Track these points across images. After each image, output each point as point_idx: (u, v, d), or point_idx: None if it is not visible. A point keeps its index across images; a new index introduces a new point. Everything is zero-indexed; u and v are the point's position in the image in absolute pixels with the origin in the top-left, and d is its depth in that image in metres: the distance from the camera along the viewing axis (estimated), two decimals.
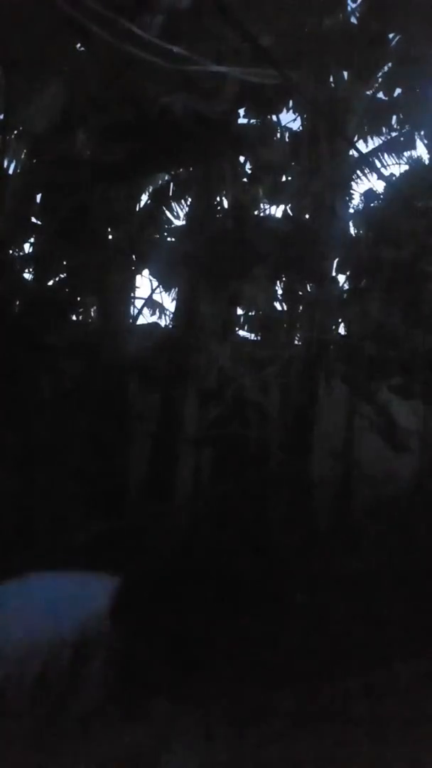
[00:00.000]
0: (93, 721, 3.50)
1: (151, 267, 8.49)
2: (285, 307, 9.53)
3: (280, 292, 9.44)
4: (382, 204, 9.06)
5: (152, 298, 9.69)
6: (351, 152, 9.23)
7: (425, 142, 9.64)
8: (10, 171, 6.81)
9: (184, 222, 9.14)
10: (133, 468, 7.99)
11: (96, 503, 7.06)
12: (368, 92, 9.09)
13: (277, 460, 8.47)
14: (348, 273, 9.36)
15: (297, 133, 9.12)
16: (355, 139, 9.32)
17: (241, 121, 7.86)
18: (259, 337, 9.78)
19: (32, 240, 7.83)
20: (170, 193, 8.88)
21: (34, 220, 7.30)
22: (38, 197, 6.99)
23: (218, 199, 8.92)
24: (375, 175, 10.45)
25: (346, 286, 9.53)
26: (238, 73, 4.73)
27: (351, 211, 9.68)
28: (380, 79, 9.00)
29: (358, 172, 9.54)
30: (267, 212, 9.66)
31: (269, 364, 8.57)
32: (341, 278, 9.46)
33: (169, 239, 8.98)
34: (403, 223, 8.21)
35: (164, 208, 9.08)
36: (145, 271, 8.89)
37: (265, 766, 3.49)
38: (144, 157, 5.99)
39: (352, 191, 9.66)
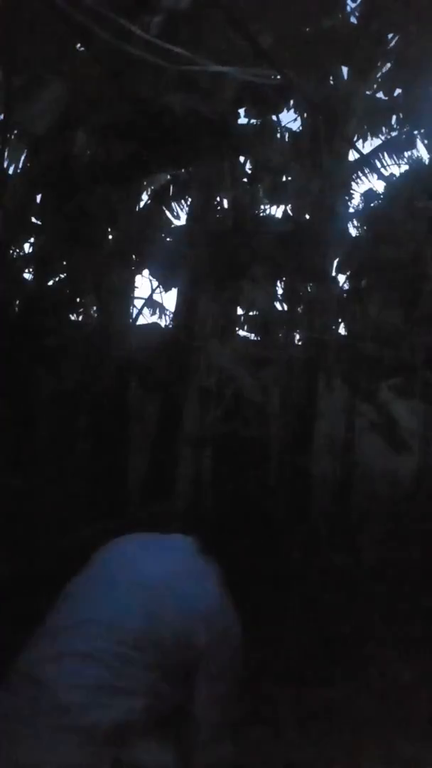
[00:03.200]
0: None
1: (151, 267, 8.50)
2: (285, 307, 9.55)
3: (280, 292, 9.46)
4: (382, 204, 9.06)
5: (152, 298, 9.71)
6: (351, 152, 9.25)
7: (425, 142, 9.66)
8: (10, 171, 6.81)
9: (184, 222, 9.16)
10: (133, 468, 8.00)
11: (96, 503, 7.07)
12: (368, 92, 9.11)
13: (277, 460, 8.48)
14: (348, 273, 9.37)
15: (297, 133, 9.13)
16: (355, 139, 9.33)
17: (241, 121, 7.87)
18: (259, 337, 9.79)
19: (32, 240, 7.84)
20: (170, 193, 8.89)
21: (34, 220, 7.30)
22: (38, 197, 6.99)
23: (218, 199, 8.94)
24: (375, 175, 10.48)
25: (346, 286, 9.55)
26: (238, 73, 4.72)
27: (351, 211, 9.69)
28: (380, 79, 9.01)
29: (358, 172, 9.56)
30: (267, 212, 9.68)
31: (269, 364, 8.58)
32: (341, 278, 9.49)
33: (169, 239, 8.99)
34: (403, 223, 8.21)
35: (164, 208, 9.08)
36: (145, 271, 8.91)
37: None
38: (144, 157, 5.98)
39: (352, 191, 9.68)
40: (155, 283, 9.27)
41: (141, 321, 9.29)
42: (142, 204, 8.90)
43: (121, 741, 1.78)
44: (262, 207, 9.66)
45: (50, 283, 7.82)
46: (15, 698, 1.84)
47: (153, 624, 1.87)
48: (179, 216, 9.22)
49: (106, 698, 1.80)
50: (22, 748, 1.76)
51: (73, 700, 1.78)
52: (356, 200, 9.76)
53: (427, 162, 9.73)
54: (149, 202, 9.02)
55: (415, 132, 9.56)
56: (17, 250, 7.69)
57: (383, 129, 9.69)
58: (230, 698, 1.95)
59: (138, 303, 9.36)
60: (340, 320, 9.55)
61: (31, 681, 1.83)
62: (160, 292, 9.67)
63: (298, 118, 9.16)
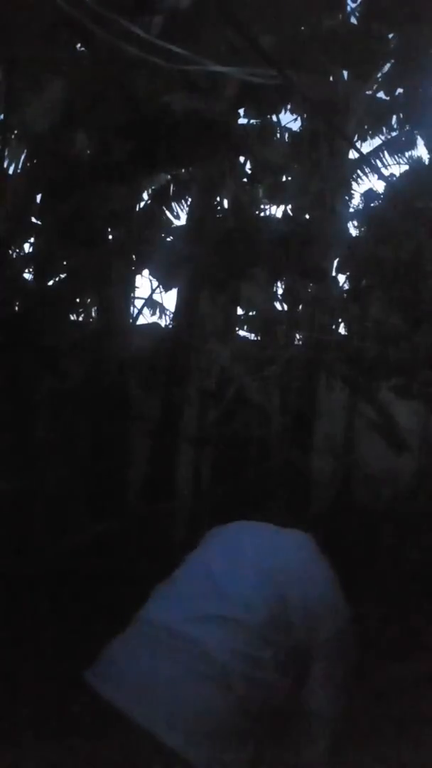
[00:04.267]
0: None
1: (151, 267, 8.50)
2: (285, 307, 9.54)
3: (280, 292, 9.46)
4: (382, 204, 9.07)
5: (152, 298, 9.71)
6: (351, 152, 9.25)
7: (425, 142, 9.66)
8: (10, 171, 6.81)
9: (184, 222, 9.16)
10: (133, 468, 7.99)
11: (96, 503, 7.06)
12: (368, 92, 9.10)
13: (277, 460, 8.47)
14: (348, 273, 9.37)
15: (297, 133, 9.13)
16: (355, 139, 9.33)
17: (241, 121, 7.88)
18: (259, 337, 9.79)
19: (32, 240, 7.83)
20: (170, 193, 8.89)
21: (34, 220, 7.30)
22: (38, 197, 6.98)
23: (218, 199, 8.93)
24: (375, 175, 10.48)
25: (346, 286, 9.55)
26: (238, 73, 4.72)
27: (351, 211, 9.69)
28: (380, 79, 9.01)
29: (358, 172, 9.56)
30: (267, 212, 9.68)
31: (269, 364, 8.58)
32: (341, 278, 9.49)
33: (169, 239, 8.99)
34: (403, 223, 8.21)
35: (164, 208, 9.08)
36: (145, 271, 8.91)
37: None
38: (144, 157, 5.98)
39: (352, 191, 9.68)
40: (155, 283, 9.28)
41: (141, 321, 9.31)
42: (142, 204, 8.91)
43: (265, 722, 1.81)
44: (262, 207, 9.67)
45: (50, 283, 7.82)
46: (153, 648, 1.85)
47: (283, 608, 1.89)
48: (179, 216, 9.23)
49: (256, 669, 1.81)
50: (161, 691, 1.77)
51: (228, 661, 1.79)
52: (356, 200, 9.77)
53: (427, 162, 9.74)
54: (149, 202, 9.02)
55: (415, 132, 9.57)
56: (17, 250, 7.69)
57: (383, 129, 9.70)
58: (344, 697, 1.96)
59: (138, 303, 9.37)
60: (340, 320, 9.55)
61: (173, 635, 1.84)
62: (160, 292, 9.68)
63: (298, 118, 9.16)
